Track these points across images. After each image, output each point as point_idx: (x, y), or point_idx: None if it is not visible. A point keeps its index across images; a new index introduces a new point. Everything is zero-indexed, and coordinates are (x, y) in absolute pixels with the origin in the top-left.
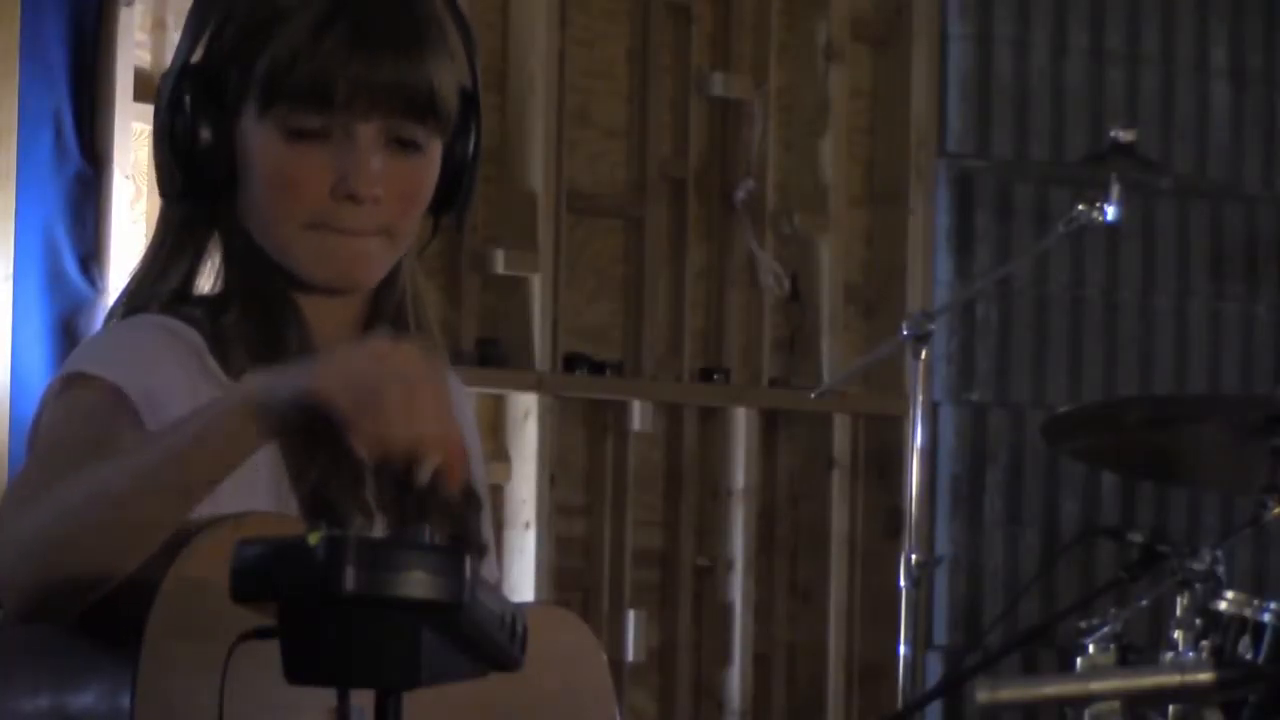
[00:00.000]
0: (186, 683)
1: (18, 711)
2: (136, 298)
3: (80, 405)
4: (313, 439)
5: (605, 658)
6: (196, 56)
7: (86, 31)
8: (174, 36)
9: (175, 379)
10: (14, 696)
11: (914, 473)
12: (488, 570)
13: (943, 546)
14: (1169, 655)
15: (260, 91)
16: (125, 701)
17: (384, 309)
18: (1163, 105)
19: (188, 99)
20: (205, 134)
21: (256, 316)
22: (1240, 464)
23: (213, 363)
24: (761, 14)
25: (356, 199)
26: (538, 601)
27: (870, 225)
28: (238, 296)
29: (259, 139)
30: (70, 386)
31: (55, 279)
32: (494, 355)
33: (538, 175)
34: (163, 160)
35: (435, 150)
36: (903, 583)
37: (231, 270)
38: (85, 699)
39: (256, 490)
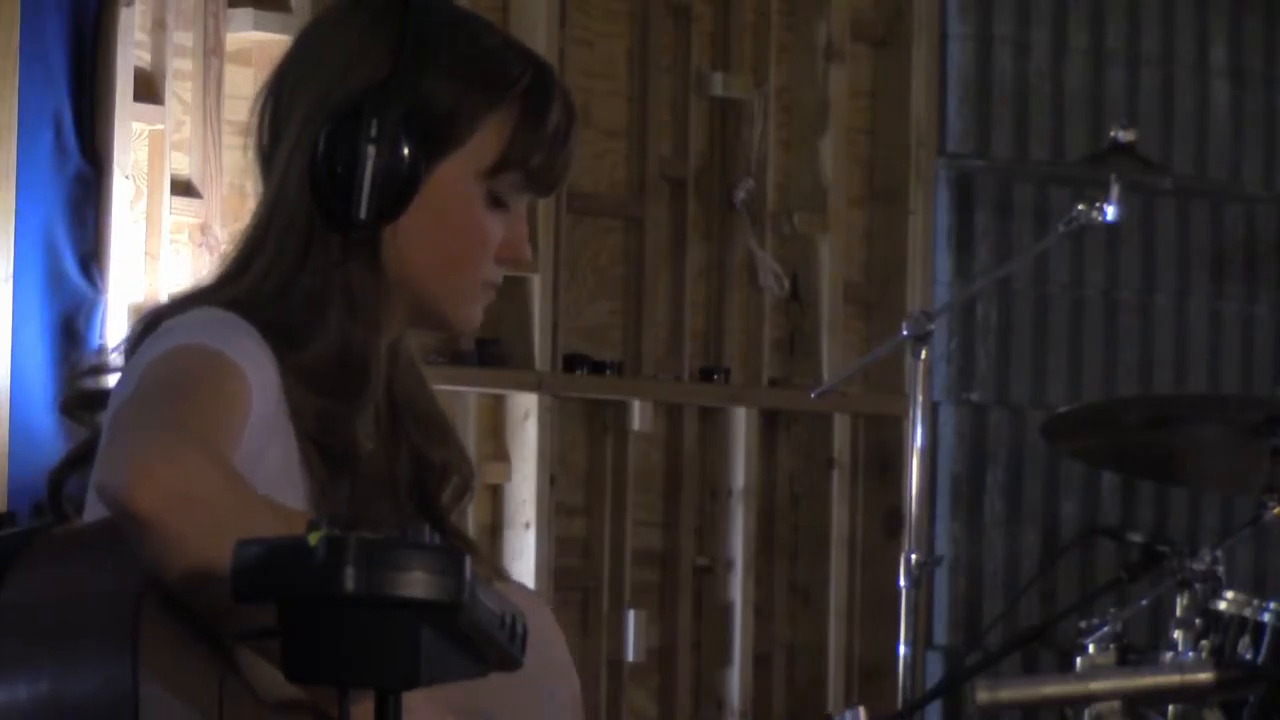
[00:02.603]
0: (186, 665)
1: (14, 694)
2: (243, 304)
3: (219, 365)
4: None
5: (564, 637)
6: (420, 87)
7: (86, 31)
8: (174, 36)
9: (268, 408)
10: (10, 678)
11: (914, 473)
12: None
13: (943, 546)
14: (1169, 655)
15: (503, 163)
16: (128, 685)
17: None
18: (1163, 105)
19: (407, 129)
20: (417, 168)
21: (341, 369)
22: (1240, 464)
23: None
24: (761, 14)
25: (522, 265)
26: (504, 583)
27: (870, 225)
28: (333, 340)
29: (468, 193)
30: (203, 352)
31: (55, 279)
32: (494, 355)
33: None
34: (352, 179)
35: None
36: (903, 583)
37: (347, 305)
38: (85, 683)
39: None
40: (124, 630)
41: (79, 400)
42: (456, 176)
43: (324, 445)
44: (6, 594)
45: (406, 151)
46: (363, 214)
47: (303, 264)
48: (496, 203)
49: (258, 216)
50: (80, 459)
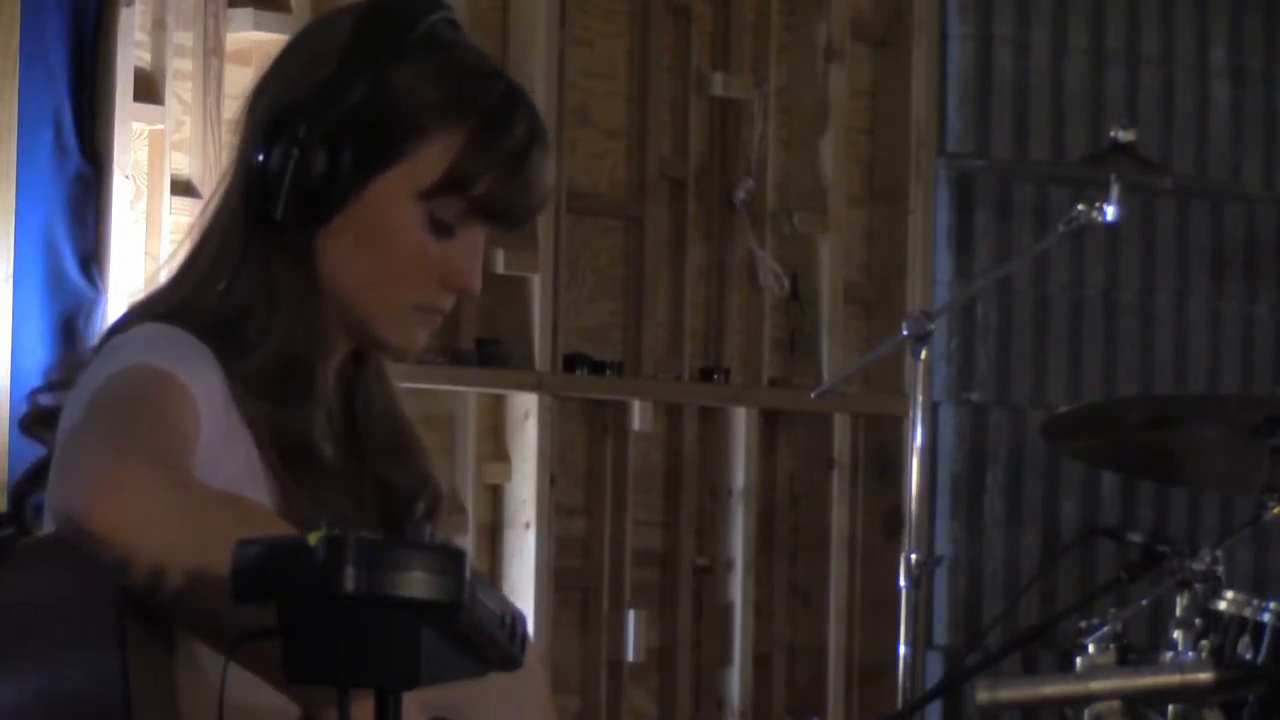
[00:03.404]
0: (168, 666)
1: (1, 697)
2: (190, 308)
3: (166, 386)
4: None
5: (533, 641)
6: (358, 94)
7: (86, 31)
8: (174, 36)
9: (217, 423)
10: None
11: (914, 473)
12: None
13: (943, 546)
14: (1169, 655)
15: (443, 186)
16: (119, 685)
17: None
18: (1163, 105)
19: (338, 134)
20: (342, 176)
21: (283, 373)
22: (1240, 464)
23: (234, 409)
24: (761, 14)
25: (469, 295)
26: None
27: (870, 225)
28: (272, 344)
29: (401, 212)
30: (149, 373)
31: (55, 279)
32: (494, 355)
33: None
34: (275, 179)
35: None
36: (903, 583)
37: (278, 307)
38: (74, 684)
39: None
40: (111, 630)
41: (37, 418)
42: (393, 193)
43: (281, 449)
44: None
45: (333, 157)
46: (278, 214)
47: (240, 266)
48: (440, 228)
49: (205, 218)
50: (42, 472)
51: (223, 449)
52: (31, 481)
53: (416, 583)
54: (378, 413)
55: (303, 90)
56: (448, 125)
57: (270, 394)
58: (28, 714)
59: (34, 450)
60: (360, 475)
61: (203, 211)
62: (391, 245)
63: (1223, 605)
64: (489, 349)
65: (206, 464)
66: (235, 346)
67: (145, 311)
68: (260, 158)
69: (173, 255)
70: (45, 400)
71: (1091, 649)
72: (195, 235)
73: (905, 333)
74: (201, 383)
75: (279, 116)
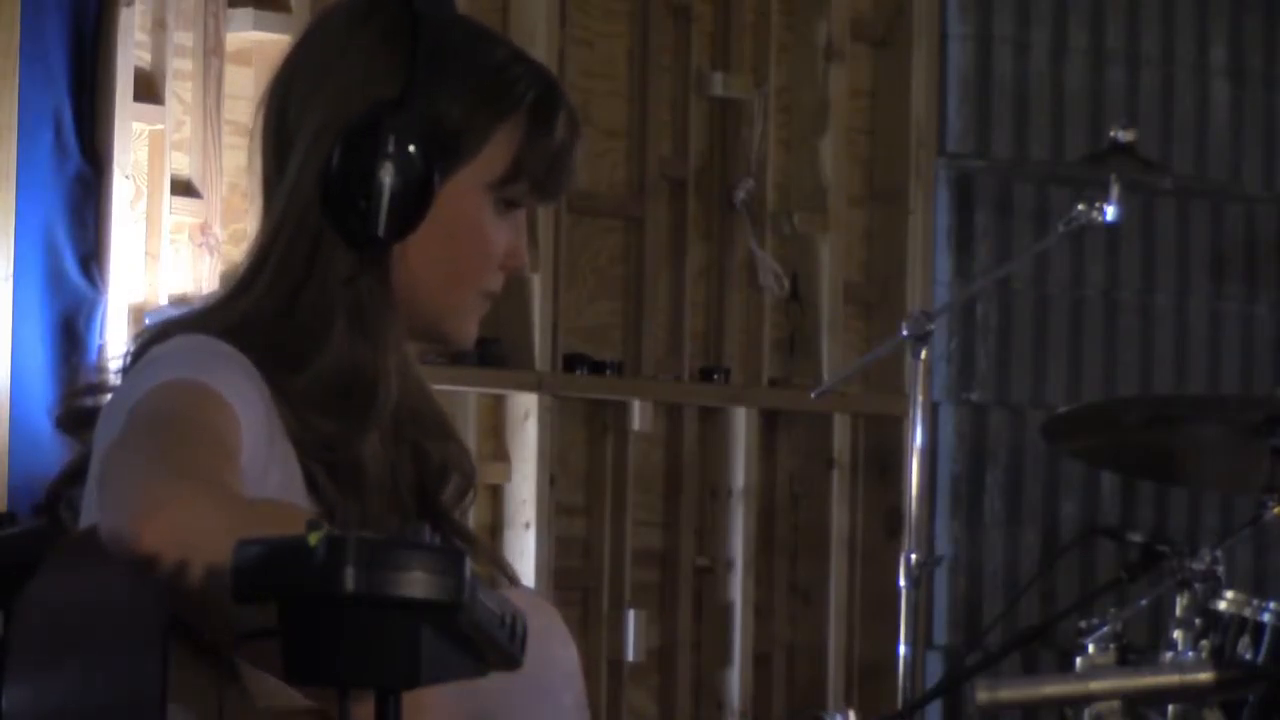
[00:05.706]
0: (193, 670)
1: (42, 696)
2: (244, 324)
3: (207, 400)
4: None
5: (573, 642)
6: (431, 105)
7: (86, 31)
8: (174, 36)
9: (260, 435)
10: (38, 679)
11: (914, 473)
12: None
13: (943, 546)
14: (1169, 655)
15: (512, 175)
16: (156, 687)
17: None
18: (1163, 105)
19: (422, 146)
20: (431, 185)
21: (346, 390)
22: (1240, 464)
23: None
24: (761, 14)
25: (521, 273)
26: (510, 586)
27: (870, 225)
28: (340, 361)
29: (475, 204)
30: (191, 388)
31: (55, 279)
32: (494, 355)
33: None
34: (371, 197)
35: None
36: (903, 583)
37: (359, 323)
38: (112, 684)
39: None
40: (154, 634)
41: (74, 417)
42: (466, 189)
43: (330, 466)
44: (33, 595)
45: (424, 168)
46: (382, 231)
47: (307, 281)
48: (505, 206)
49: (262, 232)
50: (78, 472)
51: (263, 465)
52: (66, 483)
53: (416, 583)
54: (413, 388)
55: (368, 103)
56: (508, 118)
57: (329, 408)
58: (67, 715)
59: (35, 447)
60: (398, 465)
61: (260, 230)
62: (470, 238)
63: (1223, 605)
64: (489, 349)
65: (253, 475)
66: (290, 362)
67: (196, 325)
68: (347, 176)
69: (227, 271)
70: (84, 401)
71: (1091, 649)
72: (252, 252)
73: (905, 333)
74: (241, 396)
75: (358, 133)
